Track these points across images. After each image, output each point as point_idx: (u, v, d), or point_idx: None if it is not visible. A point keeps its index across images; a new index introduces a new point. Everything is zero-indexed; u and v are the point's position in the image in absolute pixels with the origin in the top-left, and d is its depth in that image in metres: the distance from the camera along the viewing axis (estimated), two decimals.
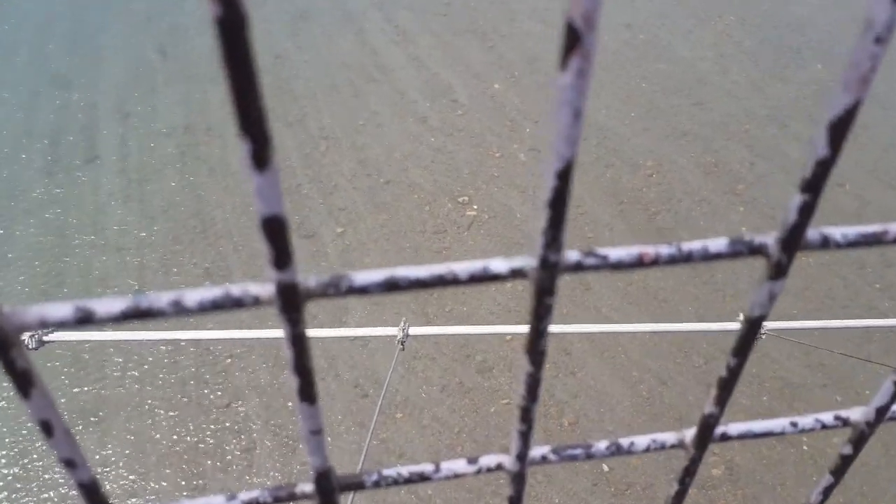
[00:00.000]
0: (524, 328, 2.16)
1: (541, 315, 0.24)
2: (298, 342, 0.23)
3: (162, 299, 0.22)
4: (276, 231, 0.20)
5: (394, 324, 3.19)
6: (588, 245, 3.81)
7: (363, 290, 0.23)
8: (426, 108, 5.03)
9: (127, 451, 3.02)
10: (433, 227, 4.07)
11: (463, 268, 0.23)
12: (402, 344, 1.76)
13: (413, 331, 1.76)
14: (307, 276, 0.23)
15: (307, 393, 0.24)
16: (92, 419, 3.14)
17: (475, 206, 4.20)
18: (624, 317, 3.48)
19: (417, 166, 4.53)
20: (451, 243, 3.95)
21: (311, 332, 1.91)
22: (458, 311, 3.56)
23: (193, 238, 4.03)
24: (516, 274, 0.23)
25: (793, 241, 0.24)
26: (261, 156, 0.19)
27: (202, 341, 3.43)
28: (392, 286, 0.23)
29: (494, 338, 3.39)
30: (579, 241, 3.89)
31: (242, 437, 3.07)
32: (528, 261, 0.23)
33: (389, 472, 0.28)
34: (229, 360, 3.38)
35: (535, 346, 0.25)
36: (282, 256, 0.21)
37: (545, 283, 0.23)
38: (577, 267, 0.24)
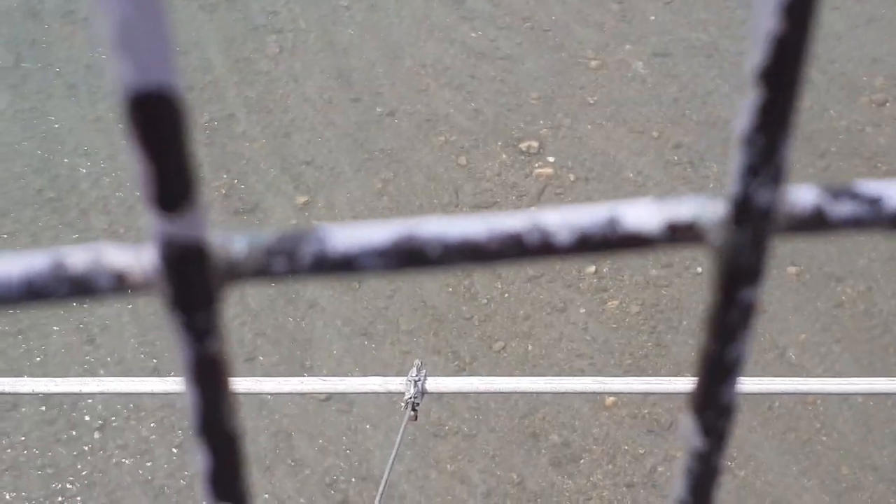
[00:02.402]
0: (640, 384, 2.13)
1: (731, 324, 0.22)
2: (207, 371, 0.21)
3: None
4: (160, 123, 0.19)
5: (399, 372, 3.20)
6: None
7: (346, 266, 0.22)
8: None
9: None
10: (474, 195, 4.09)
11: (562, 220, 0.21)
12: (413, 408, 1.79)
13: (433, 385, 1.78)
14: (229, 235, 0.21)
15: (226, 482, 0.23)
16: None
17: (551, 159, 4.24)
18: (830, 365, 3.45)
19: (445, 84, 4.55)
20: None
21: (245, 385, 1.91)
22: (517, 349, 3.58)
23: (38, 208, 4.11)
24: (680, 234, 0.21)
25: None
26: None
27: None
28: (410, 258, 0.22)
29: (584, 401, 3.41)
30: None
31: None
32: (706, 205, 0.21)
33: None
34: (42, 464, 3.43)
35: (716, 394, 0.23)
36: (170, 183, 0.19)
37: (744, 256, 0.21)
38: (816, 221, 0.22)
